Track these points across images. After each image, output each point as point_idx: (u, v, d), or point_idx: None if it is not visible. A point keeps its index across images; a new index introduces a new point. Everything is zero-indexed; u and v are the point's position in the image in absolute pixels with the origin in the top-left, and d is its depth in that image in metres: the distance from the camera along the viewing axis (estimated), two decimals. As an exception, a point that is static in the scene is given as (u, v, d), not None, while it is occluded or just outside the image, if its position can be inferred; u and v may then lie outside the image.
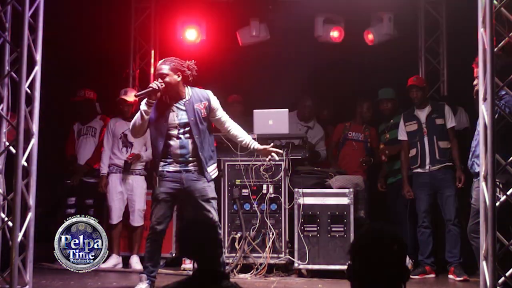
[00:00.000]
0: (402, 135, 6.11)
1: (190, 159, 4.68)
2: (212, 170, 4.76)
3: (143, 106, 4.64)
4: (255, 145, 4.85)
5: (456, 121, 6.07)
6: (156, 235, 4.70)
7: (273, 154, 4.81)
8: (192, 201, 4.71)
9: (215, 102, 4.80)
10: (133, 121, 4.72)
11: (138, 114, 4.67)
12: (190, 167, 4.68)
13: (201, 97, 4.76)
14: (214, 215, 4.69)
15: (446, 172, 5.86)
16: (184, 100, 4.70)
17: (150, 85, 4.65)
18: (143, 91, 4.74)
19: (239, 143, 4.95)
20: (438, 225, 6.04)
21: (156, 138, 4.69)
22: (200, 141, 4.66)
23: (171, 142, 4.66)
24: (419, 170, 5.95)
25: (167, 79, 4.63)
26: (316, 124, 6.96)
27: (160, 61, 4.78)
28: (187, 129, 4.66)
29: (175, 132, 4.67)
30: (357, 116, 6.87)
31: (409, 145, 6.04)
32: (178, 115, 4.67)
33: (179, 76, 4.67)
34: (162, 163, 4.69)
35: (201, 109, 4.71)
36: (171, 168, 4.68)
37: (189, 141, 4.66)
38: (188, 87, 4.77)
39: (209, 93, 4.81)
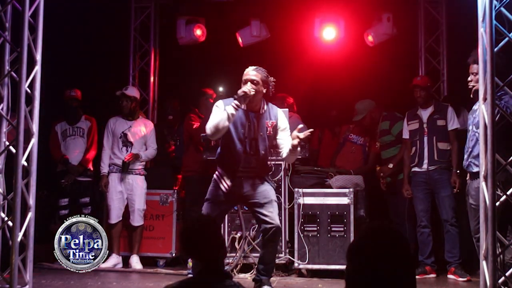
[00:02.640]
0: (405, 134, 6.14)
1: (254, 171, 4.64)
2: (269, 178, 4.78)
3: (230, 109, 4.48)
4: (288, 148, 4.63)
5: (461, 120, 6.06)
6: None
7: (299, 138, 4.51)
8: (253, 203, 4.67)
9: (283, 122, 4.71)
10: (215, 123, 4.49)
11: (223, 116, 4.47)
12: (251, 174, 4.65)
13: (272, 115, 4.68)
14: (275, 216, 4.62)
15: (442, 172, 5.85)
16: (260, 113, 4.64)
17: (243, 89, 4.52)
18: (239, 94, 4.51)
19: (286, 158, 4.77)
20: (436, 225, 6.04)
21: (227, 145, 4.62)
22: (264, 157, 4.65)
23: (243, 157, 4.60)
24: (416, 169, 5.96)
25: (253, 88, 4.54)
26: None
27: (251, 67, 4.66)
28: (253, 143, 4.61)
29: (246, 146, 4.61)
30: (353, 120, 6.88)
31: (411, 143, 6.05)
32: (253, 128, 4.61)
33: (264, 88, 4.62)
34: (224, 170, 4.65)
35: (269, 127, 4.66)
36: (232, 175, 4.62)
37: (255, 156, 4.62)
38: (265, 101, 4.71)
39: (279, 113, 4.71)
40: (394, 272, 1.86)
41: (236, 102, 4.50)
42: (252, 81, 4.56)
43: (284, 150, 4.65)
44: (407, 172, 6.08)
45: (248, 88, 4.52)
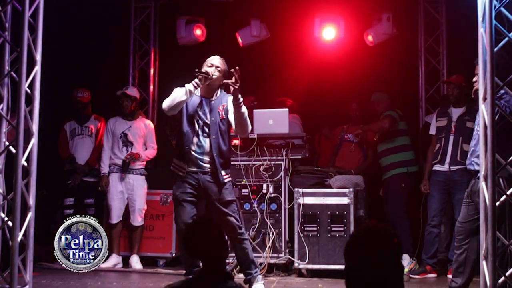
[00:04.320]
0: (432, 130, 6.14)
1: (206, 159, 4.69)
2: (225, 174, 4.75)
3: (189, 86, 4.57)
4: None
5: None
6: None
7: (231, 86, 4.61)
8: (210, 203, 4.76)
9: (231, 105, 4.77)
10: (172, 97, 4.59)
11: (181, 92, 4.57)
12: (207, 169, 4.70)
13: (223, 100, 4.78)
14: (233, 217, 4.71)
15: (463, 174, 5.78)
16: (212, 100, 4.74)
17: (207, 69, 4.66)
18: (202, 71, 4.64)
19: (237, 127, 4.77)
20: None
21: (183, 134, 4.69)
22: (216, 142, 4.68)
23: (194, 140, 4.68)
24: (438, 167, 5.93)
25: (216, 73, 4.68)
26: None
27: (217, 56, 4.78)
28: (206, 128, 4.69)
29: (197, 129, 4.69)
30: (351, 117, 6.87)
31: (435, 140, 6.04)
32: (203, 113, 4.71)
33: (223, 78, 4.72)
34: (182, 163, 4.70)
35: (220, 111, 4.74)
36: (189, 168, 4.69)
37: (207, 140, 4.68)
38: (220, 90, 4.81)
39: (229, 97, 4.76)
40: (382, 266, 2.05)
41: (196, 80, 4.60)
42: (216, 67, 4.70)
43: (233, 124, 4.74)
44: (428, 168, 6.07)
45: (211, 70, 4.67)
